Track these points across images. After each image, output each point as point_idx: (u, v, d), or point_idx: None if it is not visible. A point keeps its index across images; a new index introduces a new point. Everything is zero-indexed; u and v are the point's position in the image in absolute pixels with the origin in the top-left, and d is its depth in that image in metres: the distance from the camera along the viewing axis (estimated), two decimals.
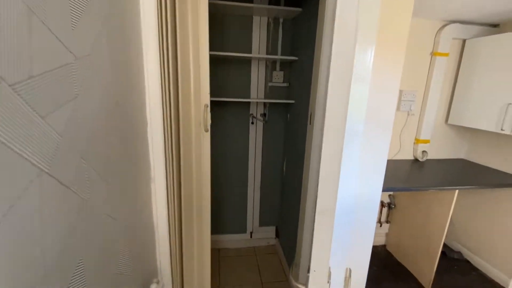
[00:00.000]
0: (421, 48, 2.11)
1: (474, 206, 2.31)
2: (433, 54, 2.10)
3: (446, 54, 2.08)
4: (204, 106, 1.25)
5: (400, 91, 2.15)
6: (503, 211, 2.10)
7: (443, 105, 2.28)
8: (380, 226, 2.51)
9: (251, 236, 2.30)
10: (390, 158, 2.31)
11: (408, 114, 2.22)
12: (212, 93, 2.07)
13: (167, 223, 1.17)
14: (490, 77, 1.93)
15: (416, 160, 2.32)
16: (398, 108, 2.18)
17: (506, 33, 1.83)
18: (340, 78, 0.99)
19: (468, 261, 2.36)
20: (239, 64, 2.00)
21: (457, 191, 1.76)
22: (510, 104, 1.79)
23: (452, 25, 2.05)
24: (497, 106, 1.87)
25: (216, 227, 2.29)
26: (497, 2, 1.67)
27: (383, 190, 1.38)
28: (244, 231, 2.33)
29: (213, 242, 2.31)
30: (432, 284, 2.00)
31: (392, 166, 2.12)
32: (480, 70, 2.00)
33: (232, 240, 2.32)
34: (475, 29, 2.09)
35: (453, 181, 1.85)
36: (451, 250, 2.50)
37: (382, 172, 1.27)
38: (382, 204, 2.43)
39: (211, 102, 2.08)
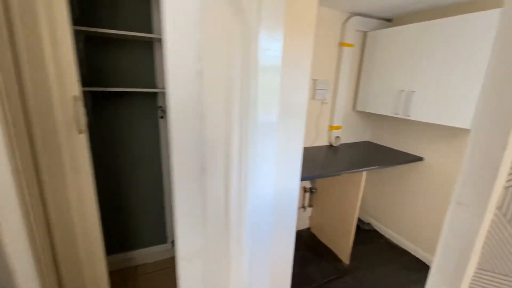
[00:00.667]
0: (331, 38, 2.18)
1: (380, 182, 2.61)
2: (341, 44, 2.20)
3: (351, 45, 2.22)
4: (73, 98, 0.92)
5: (314, 80, 2.20)
6: (402, 185, 2.43)
7: (351, 93, 2.46)
8: (304, 210, 2.60)
9: (172, 245, 2.04)
10: (309, 146, 2.38)
11: (322, 103, 2.31)
12: (104, 82, 1.61)
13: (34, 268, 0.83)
14: (386, 67, 2.14)
15: (331, 145, 2.46)
16: (313, 97, 2.24)
17: (397, 27, 2.05)
18: (244, 69, 0.83)
19: (376, 231, 2.69)
20: (141, 46, 1.66)
21: (365, 172, 1.92)
22: (402, 91, 2.02)
23: (355, 17, 2.18)
24: (392, 93, 2.10)
25: (129, 243, 1.94)
26: None
27: (302, 179, 1.36)
28: (164, 241, 2.05)
29: (126, 261, 1.96)
30: (350, 257, 2.18)
31: (311, 153, 2.18)
32: (378, 61, 2.21)
33: (151, 254, 2.01)
34: (374, 22, 2.28)
35: (361, 163, 2.01)
36: (363, 222, 2.81)
37: (298, 163, 1.22)
38: (305, 190, 2.52)
39: (101, 93, 1.68)
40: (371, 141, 2.70)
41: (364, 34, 2.33)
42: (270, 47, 0.87)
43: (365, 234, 2.64)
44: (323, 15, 2.08)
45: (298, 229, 2.64)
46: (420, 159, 2.19)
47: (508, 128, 0.38)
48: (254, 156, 0.95)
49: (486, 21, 1.53)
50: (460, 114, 1.68)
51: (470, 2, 1.75)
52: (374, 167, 1.93)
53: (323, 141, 2.45)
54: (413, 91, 1.93)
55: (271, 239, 1.16)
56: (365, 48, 2.32)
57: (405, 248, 2.41)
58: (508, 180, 0.39)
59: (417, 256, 2.30)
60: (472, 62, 1.60)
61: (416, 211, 2.28)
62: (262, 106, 0.95)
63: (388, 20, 2.36)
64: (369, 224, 2.77)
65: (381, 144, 2.57)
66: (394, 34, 2.06)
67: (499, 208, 0.40)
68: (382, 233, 2.63)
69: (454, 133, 1.97)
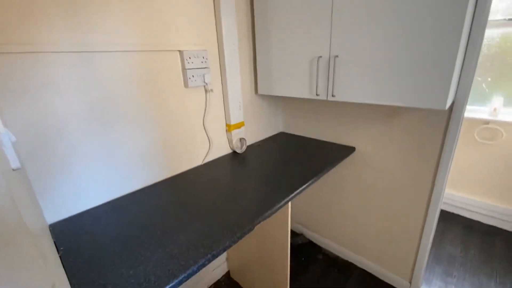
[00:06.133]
0: None
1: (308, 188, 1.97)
2: None
3: None
4: None
5: (180, 53, 1.22)
6: (333, 182, 1.83)
7: (248, 70, 1.62)
8: None
9: None
10: (199, 164, 1.45)
11: (206, 91, 1.38)
12: None
13: None
14: (289, 20, 1.35)
15: (235, 153, 1.61)
16: (185, 84, 1.27)
17: None
18: None
19: (311, 243, 2.11)
20: None
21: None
22: (320, 57, 1.28)
23: None
24: (305, 63, 1.35)
25: None
26: None
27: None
28: None
29: None
30: None
31: (203, 178, 1.28)
32: (276, 10, 1.39)
33: None
34: None
35: (284, 180, 1.24)
36: (295, 233, 2.20)
37: None
38: None
39: None
40: (286, 131, 1.99)
41: None
42: None
43: (300, 251, 2.02)
44: None
45: (214, 280, 1.79)
46: (352, 149, 1.59)
47: None
48: None
49: None
50: (406, 87, 1.06)
51: None
52: (307, 183, 1.18)
53: (221, 150, 1.57)
54: (336, 56, 1.22)
55: None
56: None
57: (348, 259, 1.90)
58: None
59: (363, 267, 1.82)
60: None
61: (353, 213, 1.75)
62: None
63: None
64: (301, 235, 2.17)
65: (301, 134, 1.89)
66: None
67: None
68: (319, 244, 2.07)
69: (388, 113, 1.41)
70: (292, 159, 1.46)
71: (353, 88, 1.21)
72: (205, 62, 1.32)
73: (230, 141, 1.59)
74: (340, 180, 1.76)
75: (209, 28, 1.32)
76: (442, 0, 0.90)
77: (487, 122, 2.06)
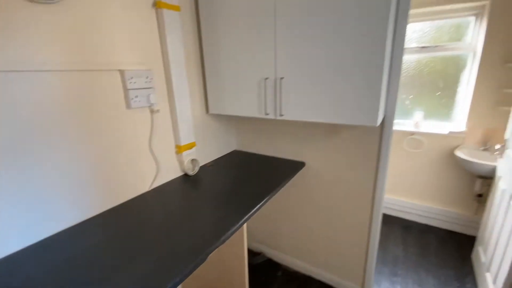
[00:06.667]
0: None
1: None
2: (157, 5, 1.24)
3: (176, 8, 1.30)
4: None
5: (121, 73, 1.14)
6: (286, 197, 1.87)
7: (198, 88, 1.59)
8: None
9: None
10: (145, 191, 1.34)
11: (151, 111, 1.31)
12: None
13: None
14: (236, 42, 1.39)
15: (186, 175, 1.53)
16: (127, 105, 1.19)
17: None
18: None
19: (270, 260, 2.10)
20: None
21: (245, 224, 1.14)
22: (266, 79, 1.34)
23: None
24: (253, 84, 1.39)
25: None
26: None
27: None
28: None
29: None
30: None
31: (153, 203, 1.18)
32: (223, 33, 1.42)
33: None
34: None
35: (237, 199, 1.22)
36: (253, 253, 2.17)
37: None
38: None
39: None
40: (240, 149, 1.99)
41: None
42: None
43: (259, 270, 1.99)
44: None
45: None
46: (302, 164, 1.66)
47: None
48: None
49: None
50: (350, 108, 1.16)
51: None
52: (262, 202, 1.18)
53: (171, 173, 1.49)
54: (282, 78, 1.28)
55: None
56: (199, 15, 1.48)
57: (307, 273, 1.93)
58: None
59: (321, 279, 1.87)
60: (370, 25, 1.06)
61: (308, 226, 1.80)
62: None
63: None
64: (260, 254, 2.14)
65: (255, 152, 1.91)
66: None
67: None
68: (279, 261, 2.07)
69: (332, 129, 1.52)
70: (246, 178, 1.45)
71: (298, 108, 1.28)
72: (150, 82, 1.26)
73: (180, 163, 1.51)
74: (294, 194, 1.81)
75: (154, 47, 1.28)
76: (367, 33, 1.03)
77: (412, 133, 2.37)
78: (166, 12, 1.24)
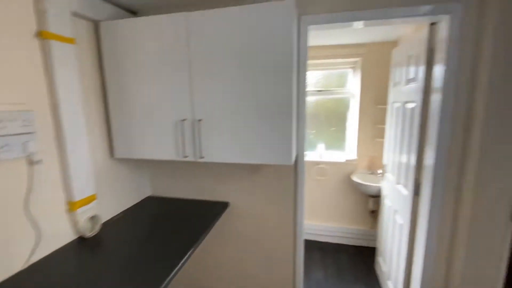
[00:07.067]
0: (11, 21, 0.94)
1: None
2: (41, 35, 1.03)
3: (70, 40, 1.12)
4: None
5: None
6: (213, 240, 1.73)
7: (99, 132, 1.36)
8: None
9: None
10: (18, 270, 0.98)
11: (30, 163, 1.01)
12: None
13: None
14: (145, 83, 1.28)
15: (82, 238, 1.22)
16: None
17: (144, 17, 1.24)
18: None
19: None
20: None
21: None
22: (184, 120, 1.27)
23: None
24: (169, 125, 1.29)
25: None
26: None
27: None
28: None
29: None
30: None
31: (31, 286, 0.85)
32: (132, 72, 1.30)
33: None
34: (110, 9, 1.33)
35: (152, 256, 1.03)
36: None
37: None
38: None
39: None
40: (155, 194, 1.77)
41: (95, 25, 1.32)
42: None
43: None
44: None
45: None
46: (226, 204, 1.60)
47: None
48: None
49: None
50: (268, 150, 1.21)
51: None
52: (186, 255, 1.02)
53: (60, 239, 1.15)
54: (200, 119, 1.24)
55: None
56: (102, 51, 1.32)
57: None
58: None
59: None
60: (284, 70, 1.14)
61: (238, 263, 1.71)
62: None
63: (133, 12, 1.52)
64: None
65: (173, 196, 1.72)
66: (145, 27, 1.25)
67: None
68: None
69: (253, 168, 1.56)
70: (162, 230, 1.27)
71: (219, 150, 1.25)
72: (29, 126, 0.99)
73: (74, 224, 1.20)
74: (220, 235, 1.70)
75: (37, 84, 1.03)
76: (278, 81, 1.13)
77: (318, 163, 2.70)
78: (55, 44, 1.04)
